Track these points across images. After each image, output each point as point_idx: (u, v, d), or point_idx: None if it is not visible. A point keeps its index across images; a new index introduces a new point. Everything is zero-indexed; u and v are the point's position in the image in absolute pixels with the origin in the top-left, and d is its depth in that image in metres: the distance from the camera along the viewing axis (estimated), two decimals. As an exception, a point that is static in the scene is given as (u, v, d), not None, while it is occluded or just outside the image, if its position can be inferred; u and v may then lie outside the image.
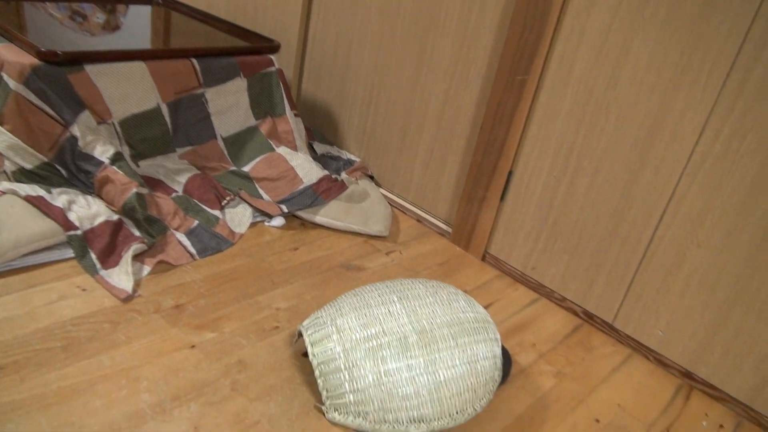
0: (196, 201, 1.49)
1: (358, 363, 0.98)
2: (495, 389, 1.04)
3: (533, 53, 1.36)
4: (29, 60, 1.31)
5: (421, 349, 0.99)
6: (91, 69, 1.38)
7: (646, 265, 1.32)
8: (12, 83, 1.29)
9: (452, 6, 1.53)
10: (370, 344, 0.99)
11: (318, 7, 1.88)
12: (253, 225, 1.52)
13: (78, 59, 1.37)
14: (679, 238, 1.25)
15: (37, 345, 1.01)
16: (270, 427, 0.96)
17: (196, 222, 1.42)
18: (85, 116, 1.38)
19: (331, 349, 1.00)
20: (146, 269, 1.25)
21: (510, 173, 1.51)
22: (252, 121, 1.72)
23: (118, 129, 1.46)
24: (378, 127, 1.83)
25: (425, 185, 1.74)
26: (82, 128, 1.36)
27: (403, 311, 1.04)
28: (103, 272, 1.20)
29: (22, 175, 1.32)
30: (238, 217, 1.51)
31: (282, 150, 1.70)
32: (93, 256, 1.23)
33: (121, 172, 1.36)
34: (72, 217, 1.27)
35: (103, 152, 1.38)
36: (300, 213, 1.57)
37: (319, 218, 1.57)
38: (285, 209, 1.55)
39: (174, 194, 1.48)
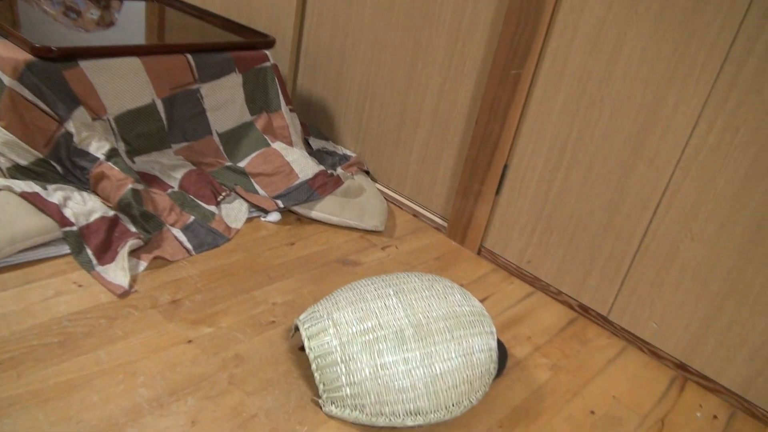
0: (192, 197, 1.49)
1: (354, 356, 0.99)
2: (491, 382, 1.05)
3: (528, 48, 1.37)
4: (23, 56, 1.30)
5: (417, 342, 1.00)
6: (85, 65, 1.38)
7: (640, 258, 1.32)
8: (6, 79, 1.29)
9: (447, 0, 1.53)
10: (367, 338, 1.00)
11: (313, 2, 1.88)
12: (249, 220, 1.53)
13: (72, 55, 1.36)
14: (672, 231, 1.26)
15: (33, 341, 1.01)
16: (267, 420, 0.97)
17: (192, 217, 1.42)
18: (80, 112, 1.38)
19: (327, 342, 1.01)
20: (142, 265, 1.25)
21: (505, 167, 1.51)
22: (247, 117, 1.72)
23: (114, 125, 1.46)
24: (373, 122, 1.83)
25: (421, 180, 1.75)
26: (77, 124, 1.36)
27: (399, 305, 1.05)
28: (99, 268, 1.21)
29: (18, 171, 1.32)
30: (234, 212, 1.51)
31: (277, 145, 1.70)
32: (89, 252, 1.23)
33: (116, 168, 1.36)
34: (68, 213, 1.27)
35: (98, 148, 1.38)
36: (296, 208, 1.58)
37: (315, 213, 1.57)
38: (281, 204, 1.55)
39: (170, 190, 1.48)
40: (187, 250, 1.34)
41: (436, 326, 1.02)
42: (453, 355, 1.00)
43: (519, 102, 1.42)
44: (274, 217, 1.55)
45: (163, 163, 1.55)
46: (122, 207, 1.32)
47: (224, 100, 1.66)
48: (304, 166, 1.64)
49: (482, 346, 1.03)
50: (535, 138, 1.43)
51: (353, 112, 1.88)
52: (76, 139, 1.36)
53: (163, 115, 1.55)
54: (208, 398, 0.98)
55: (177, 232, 1.37)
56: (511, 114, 1.44)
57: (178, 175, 1.54)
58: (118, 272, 1.20)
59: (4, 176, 1.31)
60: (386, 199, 1.82)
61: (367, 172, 1.87)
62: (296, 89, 2.06)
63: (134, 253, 1.28)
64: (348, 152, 1.90)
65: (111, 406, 0.93)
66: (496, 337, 1.07)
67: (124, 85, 1.45)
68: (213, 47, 1.63)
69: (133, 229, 1.30)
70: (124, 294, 1.17)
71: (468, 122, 1.58)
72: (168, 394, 0.97)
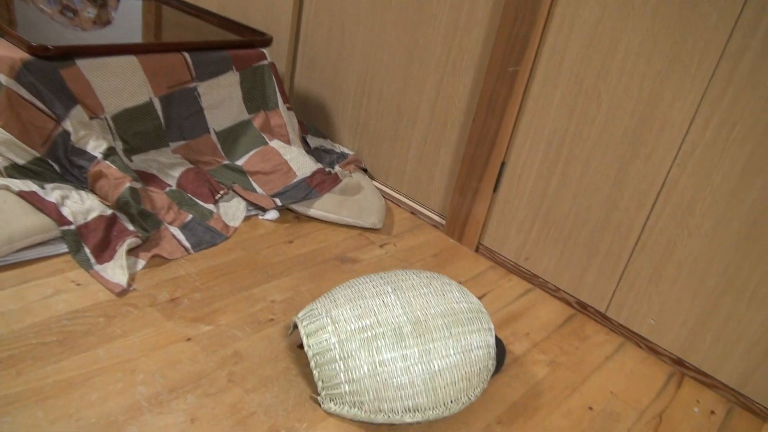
0: (190, 195, 1.49)
1: (353, 354, 0.99)
2: (489, 378, 1.05)
3: (525, 44, 1.37)
4: (20, 55, 1.30)
5: (416, 339, 1.00)
6: (82, 63, 1.38)
7: (637, 254, 1.33)
8: (3, 78, 1.29)
9: (444, -2, 1.54)
10: (365, 335, 1.00)
11: (309, 0, 1.88)
12: (247, 218, 1.53)
13: (69, 54, 1.36)
14: (670, 226, 1.26)
15: (32, 339, 1.01)
16: (266, 417, 0.97)
17: (190, 216, 1.42)
18: (78, 111, 1.38)
19: (326, 340, 1.01)
20: (141, 263, 1.25)
21: (503, 164, 1.51)
22: (245, 115, 1.72)
23: (111, 123, 1.46)
24: (371, 119, 1.83)
25: (418, 177, 1.75)
26: (75, 123, 1.36)
27: (398, 302, 1.05)
28: (97, 267, 1.21)
29: (15, 170, 1.32)
30: (232, 210, 1.51)
31: (275, 143, 1.70)
32: (87, 250, 1.23)
33: (114, 167, 1.36)
34: (65, 212, 1.27)
35: (95, 147, 1.38)
36: (294, 206, 1.58)
37: (313, 211, 1.57)
38: (279, 202, 1.56)
39: (168, 188, 1.48)
40: (186, 249, 1.34)
41: (434, 323, 1.03)
42: (451, 352, 1.00)
43: (516, 98, 1.42)
44: (272, 215, 1.55)
45: (161, 162, 1.55)
46: (120, 205, 1.32)
47: (222, 99, 1.66)
48: (301, 164, 1.64)
49: (480, 342, 1.03)
50: (533, 134, 1.44)
51: (351, 109, 1.88)
52: (73, 137, 1.36)
53: (160, 113, 1.54)
54: (207, 396, 0.98)
55: (175, 231, 1.37)
56: (508, 110, 1.44)
57: (176, 173, 1.54)
58: (116, 271, 1.20)
59: (2, 175, 1.31)
60: (384, 197, 1.82)
61: (365, 170, 1.87)
62: (294, 87, 2.06)
63: (132, 251, 1.28)
64: (346, 150, 1.90)
65: (110, 404, 0.93)
66: (494, 334, 1.07)
67: (122, 84, 1.45)
68: (210, 46, 1.63)
69: (131, 227, 1.30)
70: (123, 292, 1.17)
71: (465, 119, 1.58)
72: (167, 392, 0.97)
